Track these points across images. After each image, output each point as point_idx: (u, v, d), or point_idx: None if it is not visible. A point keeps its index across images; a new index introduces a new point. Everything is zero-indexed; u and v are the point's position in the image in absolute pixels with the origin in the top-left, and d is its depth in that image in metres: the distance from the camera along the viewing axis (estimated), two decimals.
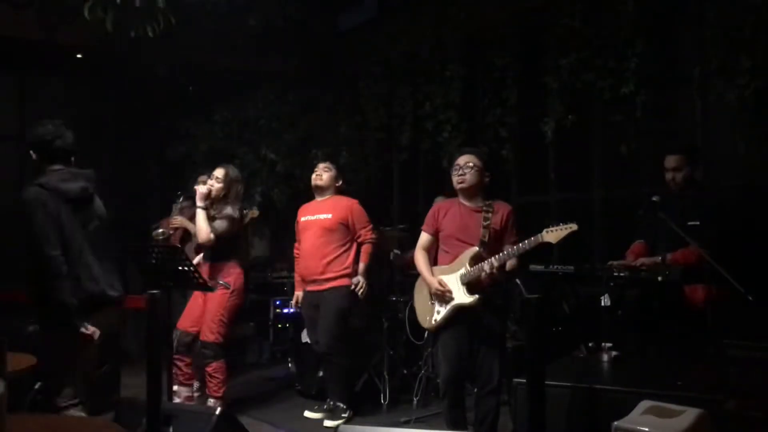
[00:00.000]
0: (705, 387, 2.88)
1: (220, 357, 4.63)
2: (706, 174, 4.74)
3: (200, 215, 4.57)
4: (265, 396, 5.37)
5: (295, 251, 4.99)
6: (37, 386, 3.65)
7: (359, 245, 4.79)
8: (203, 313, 4.65)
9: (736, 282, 3.23)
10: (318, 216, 4.76)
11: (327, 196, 4.84)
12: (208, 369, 4.65)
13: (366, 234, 4.76)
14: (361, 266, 4.73)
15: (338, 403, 4.63)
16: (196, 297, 4.72)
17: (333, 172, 4.84)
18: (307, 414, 4.73)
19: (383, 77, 6.91)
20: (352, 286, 4.68)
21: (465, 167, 3.75)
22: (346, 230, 4.73)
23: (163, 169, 8.02)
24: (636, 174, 5.11)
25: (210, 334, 4.59)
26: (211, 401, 4.69)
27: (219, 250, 4.67)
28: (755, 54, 4.19)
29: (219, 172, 4.71)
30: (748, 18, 4.22)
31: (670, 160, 4.04)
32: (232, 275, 4.65)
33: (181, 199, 5.53)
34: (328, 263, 4.67)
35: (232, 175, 4.73)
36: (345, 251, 4.73)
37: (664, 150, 4.16)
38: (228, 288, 4.62)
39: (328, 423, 4.55)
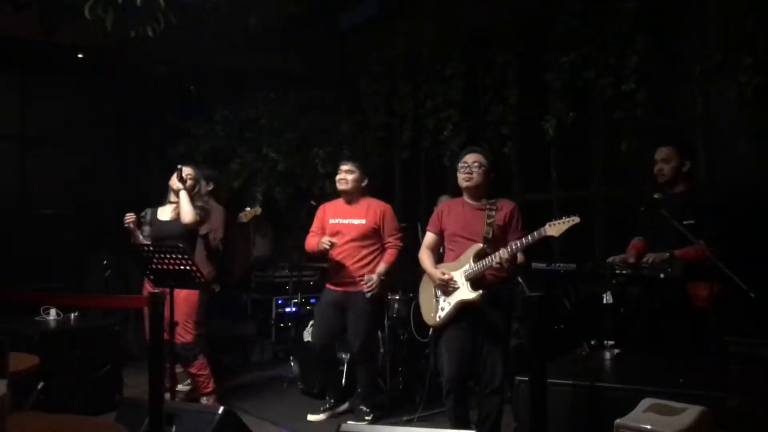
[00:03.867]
0: (707, 384, 2.88)
1: (198, 354, 4.69)
2: (707, 171, 4.75)
3: (184, 196, 4.63)
4: (267, 395, 5.38)
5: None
6: (39, 386, 3.65)
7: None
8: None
9: (738, 279, 3.23)
10: (351, 220, 4.69)
11: (358, 199, 4.76)
12: (192, 370, 4.69)
13: (393, 241, 4.70)
14: (381, 266, 4.64)
15: (362, 407, 4.64)
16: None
17: (357, 174, 4.71)
18: (310, 417, 4.73)
19: (384, 76, 6.91)
20: (365, 284, 4.58)
21: (473, 166, 3.76)
22: (378, 235, 4.69)
23: (165, 169, 8.02)
24: (637, 171, 5.10)
25: (185, 335, 4.61)
26: (204, 400, 4.72)
27: (185, 245, 4.66)
28: (756, 51, 4.18)
29: (189, 171, 4.82)
30: (749, 15, 4.22)
31: (661, 152, 3.97)
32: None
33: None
34: (363, 266, 4.63)
35: (197, 174, 4.88)
36: (378, 255, 4.70)
37: (661, 145, 4.11)
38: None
39: (350, 423, 4.55)
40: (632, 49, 4.82)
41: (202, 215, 4.73)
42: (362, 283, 4.60)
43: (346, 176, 4.71)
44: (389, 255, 4.69)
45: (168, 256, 3.87)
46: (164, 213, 4.80)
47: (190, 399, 4.94)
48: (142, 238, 4.69)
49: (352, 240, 4.64)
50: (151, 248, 4.05)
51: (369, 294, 4.59)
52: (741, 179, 4.60)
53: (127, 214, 4.69)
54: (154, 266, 3.95)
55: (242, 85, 7.47)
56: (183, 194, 4.63)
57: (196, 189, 4.84)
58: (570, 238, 3.40)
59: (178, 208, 4.65)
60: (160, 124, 7.67)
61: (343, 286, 4.67)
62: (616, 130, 5.05)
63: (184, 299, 4.60)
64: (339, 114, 7.21)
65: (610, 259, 3.96)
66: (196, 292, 4.69)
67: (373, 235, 4.67)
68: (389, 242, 4.71)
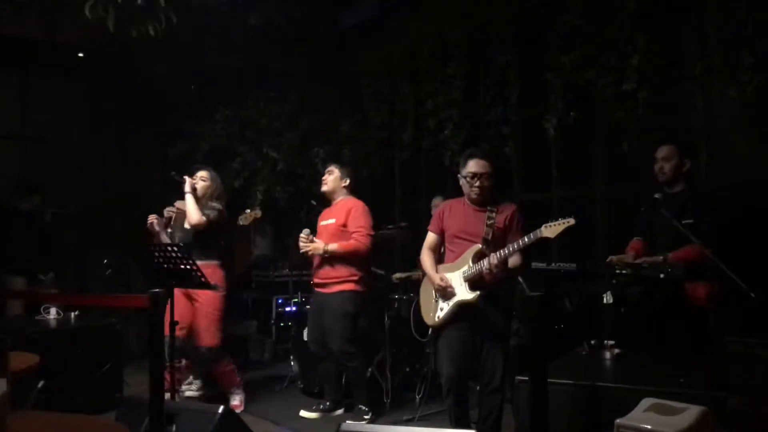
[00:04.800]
0: (707, 384, 2.88)
1: (223, 356, 4.77)
2: (708, 171, 4.75)
3: (190, 199, 4.71)
4: (267, 394, 5.38)
5: None
6: (40, 385, 3.65)
7: None
8: (190, 316, 4.69)
9: (738, 279, 3.23)
10: (327, 221, 4.71)
11: (338, 199, 4.76)
12: (219, 369, 4.78)
13: (356, 236, 4.56)
14: (333, 245, 4.53)
15: (360, 406, 4.63)
16: (177, 299, 4.72)
17: (336, 174, 4.74)
18: (303, 413, 4.73)
19: (385, 75, 6.92)
20: (303, 236, 4.56)
21: (482, 177, 3.71)
22: (347, 234, 4.61)
23: (165, 168, 8.02)
24: (638, 171, 5.11)
25: (210, 339, 4.67)
26: (234, 399, 4.84)
27: (204, 249, 4.74)
28: (757, 50, 4.18)
29: (204, 173, 4.91)
30: (749, 14, 4.22)
31: (662, 150, 3.98)
32: (217, 275, 4.68)
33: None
34: (333, 267, 4.58)
35: (213, 176, 4.95)
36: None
37: (662, 144, 4.11)
38: (217, 288, 4.64)
39: (349, 422, 4.53)
40: (633, 48, 4.82)
41: (213, 215, 4.75)
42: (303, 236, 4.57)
43: (326, 177, 4.76)
44: (348, 243, 4.53)
45: (169, 256, 3.87)
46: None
47: (204, 397, 4.94)
48: (166, 237, 4.84)
49: (326, 241, 4.59)
50: (152, 248, 4.06)
51: (302, 251, 4.57)
52: (742, 179, 4.60)
53: (150, 216, 4.87)
54: (155, 266, 3.96)
55: (243, 85, 7.47)
56: (188, 197, 4.72)
57: (210, 190, 4.89)
58: (570, 238, 3.40)
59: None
60: (160, 123, 7.68)
61: (319, 287, 4.69)
62: (616, 129, 5.05)
63: (206, 302, 4.67)
64: (339, 113, 7.21)
65: (608, 259, 3.96)
66: (219, 294, 4.71)
67: (341, 235, 4.59)
68: (353, 236, 4.57)
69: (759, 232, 4.14)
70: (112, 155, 7.82)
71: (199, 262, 4.55)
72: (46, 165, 7.45)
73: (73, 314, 5.08)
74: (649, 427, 2.54)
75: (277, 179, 7.17)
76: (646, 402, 2.69)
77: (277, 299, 6.73)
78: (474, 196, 3.76)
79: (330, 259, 4.59)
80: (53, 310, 5.01)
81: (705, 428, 2.55)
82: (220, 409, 3.05)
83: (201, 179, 4.89)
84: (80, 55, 6.96)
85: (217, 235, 4.84)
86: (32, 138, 7.43)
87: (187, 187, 4.74)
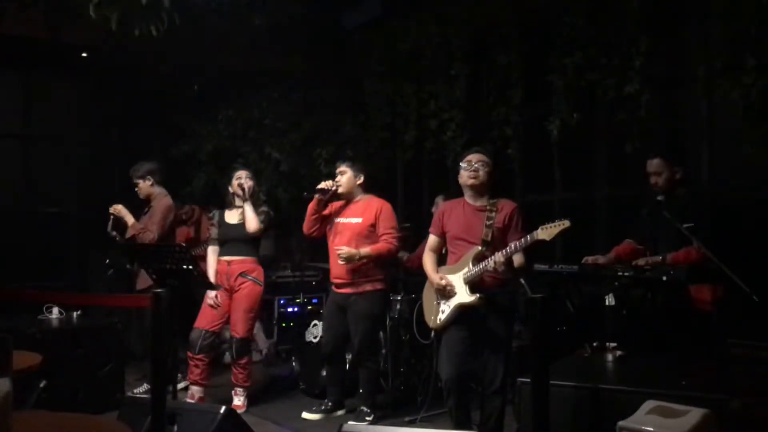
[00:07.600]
0: (710, 387, 2.88)
1: (248, 351, 4.93)
2: (711, 173, 4.74)
3: (249, 207, 4.83)
4: (268, 395, 5.37)
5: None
6: (42, 384, 3.66)
7: None
8: (227, 310, 4.85)
9: (741, 282, 3.23)
10: (350, 219, 4.62)
11: (357, 198, 4.69)
12: (241, 362, 4.87)
13: (387, 237, 4.55)
14: (366, 249, 4.48)
15: (362, 407, 4.61)
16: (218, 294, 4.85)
17: (349, 173, 4.67)
18: (305, 415, 4.72)
19: (387, 76, 6.91)
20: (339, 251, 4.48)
21: (478, 164, 3.75)
22: (375, 234, 4.57)
23: (167, 168, 8.01)
24: (640, 173, 5.10)
25: (244, 331, 4.84)
26: (239, 390, 4.90)
27: (250, 246, 4.91)
28: (760, 53, 4.17)
29: (247, 172, 5.02)
30: (753, 17, 4.21)
31: (651, 165, 4.03)
32: (256, 271, 4.90)
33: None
34: (360, 267, 4.52)
35: (249, 175, 5.04)
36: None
37: (668, 150, 4.12)
38: (260, 284, 4.87)
39: (351, 423, 4.53)
40: (636, 50, 4.81)
41: (266, 221, 4.88)
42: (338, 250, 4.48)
43: (339, 178, 4.68)
44: (380, 246, 4.52)
45: (170, 255, 3.88)
46: (231, 216, 4.98)
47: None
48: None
49: (349, 241, 4.54)
50: (153, 248, 4.07)
51: (341, 261, 4.48)
52: (745, 181, 4.59)
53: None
54: (156, 265, 3.96)
55: (246, 85, 7.47)
56: (247, 205, 4.83)
57: (255, 188, 4.99)
58: (573, 240, 3.40)
59: (243, 213, 4.86)
60: (163, 124, 7.68)
61: (342, 288, 4.61)
62: (619, 131, 5.04)
63: (247, 295, 4.83)
64: (342, 114, 7.21)
65: (583, 260, 3.98)
66: (260, 289, 4.88)
67: (369, 234, 4.56)
68: (383, 237, 4.56)
69: (763, 234, 4.14)
70: (114, 155, 7.82)
71: (244, 258, 4.88)
72: (48, 164, 7.45)
73: (74, 314, 5.08)
74: (651, 429, 2.53)
75: (280, 180, 7.17)
76: (649, 404, 2.69)
77: (279, 300, 6.73)
78: (469, 182, 3.77)
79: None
80: (55, 310, 5.01)
81: (707, 431, 2.54)
82: (222, 409, 3.06)
83: (248, 179, 4.95)
84: (83, 55, 6.97)
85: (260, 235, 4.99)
86: (35, 137, 7.44)
87: (247, 195, 4.85)
